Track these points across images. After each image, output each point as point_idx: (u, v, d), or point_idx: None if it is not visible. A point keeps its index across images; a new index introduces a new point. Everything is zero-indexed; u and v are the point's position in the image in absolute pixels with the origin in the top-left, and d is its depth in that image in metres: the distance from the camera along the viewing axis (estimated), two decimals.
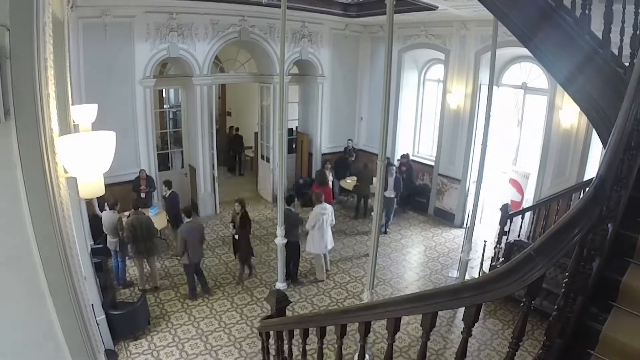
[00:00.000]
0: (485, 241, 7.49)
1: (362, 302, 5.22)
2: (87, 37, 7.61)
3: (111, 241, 6.79)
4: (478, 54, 8.96)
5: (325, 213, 7.22)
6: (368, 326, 2.53)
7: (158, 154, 9.32)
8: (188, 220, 6.61)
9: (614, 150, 1.96)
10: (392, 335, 2.28)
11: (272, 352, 4.11)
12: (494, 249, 6.98)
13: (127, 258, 7.12)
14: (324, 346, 3.09)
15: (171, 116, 12.18)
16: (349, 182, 10.60)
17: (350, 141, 11.75)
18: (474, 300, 1.81)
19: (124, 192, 7.92)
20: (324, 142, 11.55)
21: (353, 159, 11.63)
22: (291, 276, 7.32)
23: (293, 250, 7.17)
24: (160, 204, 8.95)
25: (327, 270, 7.66)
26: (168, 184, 8.23)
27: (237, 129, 13.61)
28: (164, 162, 9.96)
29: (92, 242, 7.13)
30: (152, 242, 6.74)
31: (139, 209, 6.86)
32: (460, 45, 9.28)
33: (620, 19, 3.05)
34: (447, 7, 7.68)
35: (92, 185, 2.14)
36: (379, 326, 5.81)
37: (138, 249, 6.57)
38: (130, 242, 6.56)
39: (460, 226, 9.58)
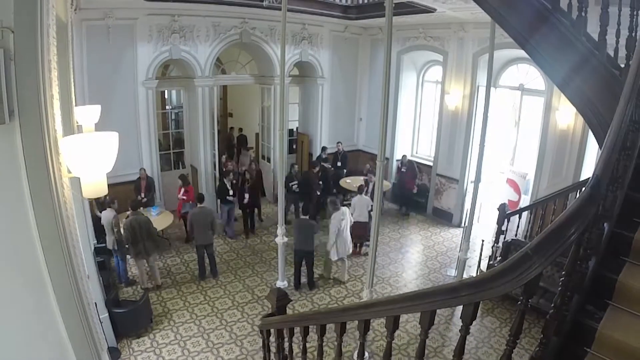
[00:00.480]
0: (482, 240, 7.49)
1: (362, 301, 5.23)
2: (90, 39, 7.61)
3: (108, 240, 6.74)
4: (476, 56, 8.96)
5: (344, 218, 6.99)
6: (367, 324, 2.53)
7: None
8: (201, 205, 7.12)
9: (609, 151, 1.96)
10: (391, 333, 2.28)
11: (273, 349, 4.11)
12: (492, 248, 6.98)
13: (126, 257, 7.08)
14: (324, 344, 3.09)
15: (173, 117, 12.19)
16: (349, 182, 10.58)
17: (339, 144, 11.12)
18: (472, 298, 1.81)
19: (127, 192, 7.93)
20: (324, 142, 11.52)
21: (330, 166, 10.60)
22: (308, 283, 7.14)
23: (308, 259, 7.02)
24: (162, 203, 8.94)
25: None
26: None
27: (240, 129, 13.68)
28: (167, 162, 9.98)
29: (96, 241, 7.13)
30: (151, 242, 6.67)
31: (139, 209, 6.77)
32: (458, 47, 9.28)
33: (616, 22, 3.04)
34: (445, 9, 7.68)
35: (96, 185, 2.14)
36: (378, 324, 5.81)
37: (137, 249, 6.52)
38: (130, 242, 6.51)
39: (459, 225, 9.57)
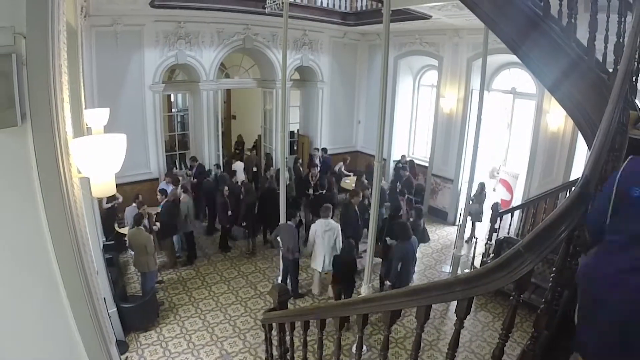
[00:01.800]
0: (476, 238, 7.49)
1: (360, 296, 5.23)
2: (99, 44, 7.62)
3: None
4: (470, 61, 8.95)
5: (328, 230, 6.33)
6: (365, 318, 2.53)
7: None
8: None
9: (598, 152, 1.95)
10: (388, 327, 2.28)
11: (275, 342, 4.11)
12: (485, 245, 6.98)
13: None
14: (323, 337, 3.08)
15: (179, 120, 12.19)
16: (348, 182, 10.57)
17: (317, 150, 10.49)
18: (466, 293, 1.80)
19: (133, 192, 7.92)
20: (324, 144, 11.54)
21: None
22: (292, 290, 6.41)
23: (292, 266, 6.48)
24: None
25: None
26: None
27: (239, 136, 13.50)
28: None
29: (104, 239, 7.13)
30: (146, 258, 6.07)
31: (141, 225, 6.18)
32: (453, 52, 9.28)
33: (605, 28, 3.05)
34: (441, 16, 7.69)
35: (104, 185, 2.14)
36: (376, 318, 5.81)
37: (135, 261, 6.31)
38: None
39: (453, 224, 9.57)
